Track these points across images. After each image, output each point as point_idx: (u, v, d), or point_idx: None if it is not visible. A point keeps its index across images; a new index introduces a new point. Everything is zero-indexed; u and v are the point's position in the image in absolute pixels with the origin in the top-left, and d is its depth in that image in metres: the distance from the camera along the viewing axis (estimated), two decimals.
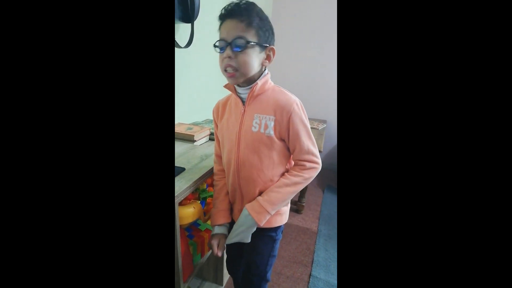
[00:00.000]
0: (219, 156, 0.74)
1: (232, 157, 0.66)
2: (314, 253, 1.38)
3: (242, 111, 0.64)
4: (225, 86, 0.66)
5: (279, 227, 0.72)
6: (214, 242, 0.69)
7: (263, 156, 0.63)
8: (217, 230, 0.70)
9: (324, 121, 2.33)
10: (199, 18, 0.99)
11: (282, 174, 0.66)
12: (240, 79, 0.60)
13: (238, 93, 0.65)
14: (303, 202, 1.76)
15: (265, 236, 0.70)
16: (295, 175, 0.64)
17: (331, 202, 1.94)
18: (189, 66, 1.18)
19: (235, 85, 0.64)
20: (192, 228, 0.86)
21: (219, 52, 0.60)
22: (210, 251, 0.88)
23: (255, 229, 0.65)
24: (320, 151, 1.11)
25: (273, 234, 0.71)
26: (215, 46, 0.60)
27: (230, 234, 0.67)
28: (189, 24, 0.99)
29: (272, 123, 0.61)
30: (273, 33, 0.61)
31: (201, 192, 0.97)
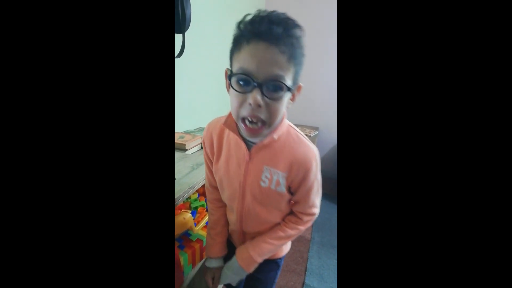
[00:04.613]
0: (214, 187, 0.63)
1: (235, 206, 0.58)
2: (307, 261, 1.37)
3: (247, 158, 0.51)
4: (225, 125, 0.50)
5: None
6: (209, 276, 0.63)
7: (271, 208, 0.56)
8: (213, 263, 0.64)
9: (316, 128, 2.36)
10: (190, 29, 1.01)
11: (287, 215, 0.60)
12: (265, 132, 0.44)
13: (243, 135, 0.50)
14: None
15: (270, 263, 0.66)
16: (291, 228, 0.57)
17: (324, 209, 1.95)
18: (181, 75, 1.19)
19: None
20: (183, 238, 0.85)
21: (238, 90, 0.41)
22: (202, 261, 0.87)
23: (245, 275, 0.60)
24: None
25: (278, 260, 0.68)
26: (230, 76, 0.42)
27: (221, 275, 0.63)
28: (181, 35, 1.00)
29: (285, 181, 0.51)
30: None
31: (192, 201, 0.96)
